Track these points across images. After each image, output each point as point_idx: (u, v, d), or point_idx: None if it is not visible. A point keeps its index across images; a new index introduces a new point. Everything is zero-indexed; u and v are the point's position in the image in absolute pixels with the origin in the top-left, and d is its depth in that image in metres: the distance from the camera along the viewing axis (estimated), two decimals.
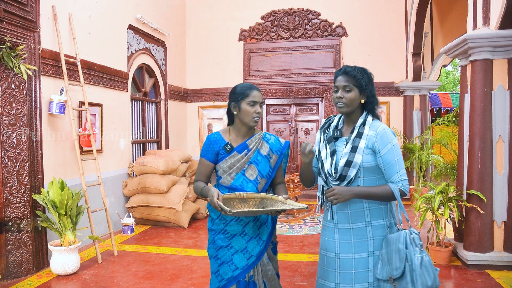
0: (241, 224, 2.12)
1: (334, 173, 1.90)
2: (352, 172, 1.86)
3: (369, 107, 1.96)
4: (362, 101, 1.94)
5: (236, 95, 2.14)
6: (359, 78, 1.91)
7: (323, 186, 2.00)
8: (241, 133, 2.19)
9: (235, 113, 2.16)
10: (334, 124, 2.04)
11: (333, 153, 1.94)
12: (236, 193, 2.05)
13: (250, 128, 2.17)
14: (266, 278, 2.14)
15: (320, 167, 1.98)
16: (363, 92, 1.93)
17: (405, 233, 1.82)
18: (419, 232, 1.87)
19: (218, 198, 1.90)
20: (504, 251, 3.81)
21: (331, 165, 1.92)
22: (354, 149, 1.87)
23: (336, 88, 1.95)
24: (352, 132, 1.94)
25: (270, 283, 2.15)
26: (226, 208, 1.84)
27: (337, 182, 1.89)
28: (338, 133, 1.98)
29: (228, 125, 2.25)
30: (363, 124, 1.92)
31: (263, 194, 2.07)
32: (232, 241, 2.13)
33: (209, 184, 2.23)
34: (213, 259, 2.19)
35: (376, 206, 1.91)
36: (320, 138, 2.05)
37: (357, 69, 1.94)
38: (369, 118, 1.94)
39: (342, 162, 1.88)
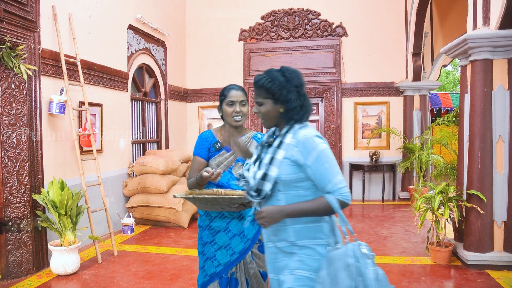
0: (225, 221, 2.16)
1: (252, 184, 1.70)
2: (266, 187, 1.65)
3: (292, 115, 1.69)
4: (281, 110, 1.69)
5: (220, 97, 2.21)
6: (269, 87, 1.67)
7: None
8: (230, 133, 2.21)
9: (220, 114, 2.22)
10: (272, 129, 1.83)
11: (257, 160, 1.76)
12: (212, 189, 2.11)
13: (235, 127, 2.20)
14: (248, 275, 2.16)
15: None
16: (278, 102, 1.69)
17: (353, 246, 1.57)
18: (367, 246, 1.62)
19: (208, 171, 1.96)
20: (504, 251, 3.81)
21: (251, 174, 1.71)
22: (271, 161, 1.66)
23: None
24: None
25: (252, 281, 2.17)
26: (205, 174, 1.96)
27: (256, 194, 1.69)
28: (272, 139, 1.76)
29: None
30: (288, 132, 1.69)
31: (236, 191, 2.10)
32: (216, 237, 2.17)
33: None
34: (200, 255, 2.24)
35: (303, 224, 1.66)
36: None
37: (266, 77, 1.70)
38: (296, 125, 1.70)
39: (259, 175, 1.67)
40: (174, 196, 1.95)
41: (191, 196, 1.91)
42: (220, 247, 2.16)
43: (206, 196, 1.90)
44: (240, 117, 2.15)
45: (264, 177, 1.65)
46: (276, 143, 1.70)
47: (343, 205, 1.61)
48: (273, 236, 1.73)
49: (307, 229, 1.66)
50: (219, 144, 2.19)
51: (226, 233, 2.15)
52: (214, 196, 1.92)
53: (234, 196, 1.90)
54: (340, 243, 1.66)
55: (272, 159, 1.67)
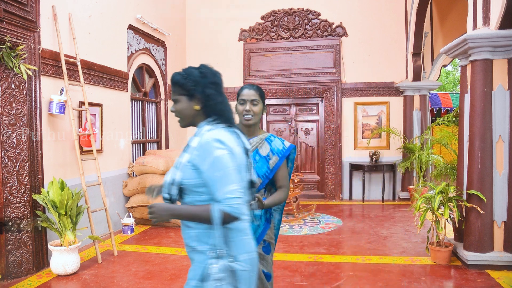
0: None
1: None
2: (173, 191, 1.57)
3: (208, 110, 1.61)
4: (196, 107, 1.60)
5: (236, 96, 2.26)
6: (183, 83, 1.60)
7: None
8: (244, 132, 2.21)
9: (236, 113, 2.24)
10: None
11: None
12: None
13: (248, 126, 2.20)
14: None
15: None
16: (192, 98, 1.60)
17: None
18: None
19: None
20: (504, 251, 3.81)
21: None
22: (178, 165, 1.60)
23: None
24: None
25: (256, 281, 2.15)
26: None
27: (168, 197, 1.61)
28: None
29: None
30: (196, 134, 1.62)
31: None
32: None
33: None
34: None
35: (202, 229, 1.56)
36: None
37: (182, 73, 1.63)
38: (206, 127, 1.59)
39: (169, 179, 1.60)
40: None
41: None
42: None
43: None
44: (250, 116, 2.15)
45: (172, 181, 1.58)
46: (186, 145, 1.63)
47: (228, 217, 1.44)
48: (184, 240, 1.65)
49: (206, 234, 1.54)
50: None
51: None
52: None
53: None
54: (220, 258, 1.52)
55: (179, 163, 1.59)
